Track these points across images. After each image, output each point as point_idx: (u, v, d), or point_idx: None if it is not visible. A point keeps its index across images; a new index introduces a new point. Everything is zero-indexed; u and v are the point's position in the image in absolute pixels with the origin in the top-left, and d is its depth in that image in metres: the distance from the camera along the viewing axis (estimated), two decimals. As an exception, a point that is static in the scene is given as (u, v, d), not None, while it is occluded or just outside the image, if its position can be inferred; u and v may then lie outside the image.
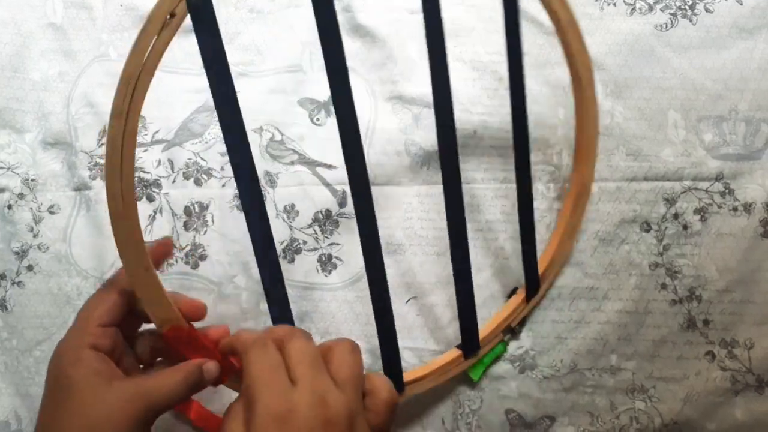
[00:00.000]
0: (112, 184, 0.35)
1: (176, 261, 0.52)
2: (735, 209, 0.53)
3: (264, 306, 0.52)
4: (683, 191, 0.54)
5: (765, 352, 0.53)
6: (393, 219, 0.53)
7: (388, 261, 0.53)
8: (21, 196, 0.52)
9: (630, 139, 0.54)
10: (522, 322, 0.52)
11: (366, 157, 0.52)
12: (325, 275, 0.53)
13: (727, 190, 0.54)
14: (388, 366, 0.46)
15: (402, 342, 0.53)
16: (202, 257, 0.53)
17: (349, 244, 0.53)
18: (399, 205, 0.53)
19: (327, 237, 0.53)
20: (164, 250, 0.44)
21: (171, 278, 0.52)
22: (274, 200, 0.53)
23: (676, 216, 0.54)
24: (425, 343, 0.53)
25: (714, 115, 0.54)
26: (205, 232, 0.53)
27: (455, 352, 0.50)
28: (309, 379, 0.33)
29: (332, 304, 0.53)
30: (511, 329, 0.52)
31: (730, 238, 0.53)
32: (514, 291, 0.53)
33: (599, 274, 0.53)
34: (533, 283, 0.51)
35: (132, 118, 0.35)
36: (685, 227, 0.54)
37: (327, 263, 0.53)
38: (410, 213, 0.53)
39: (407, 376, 0.48)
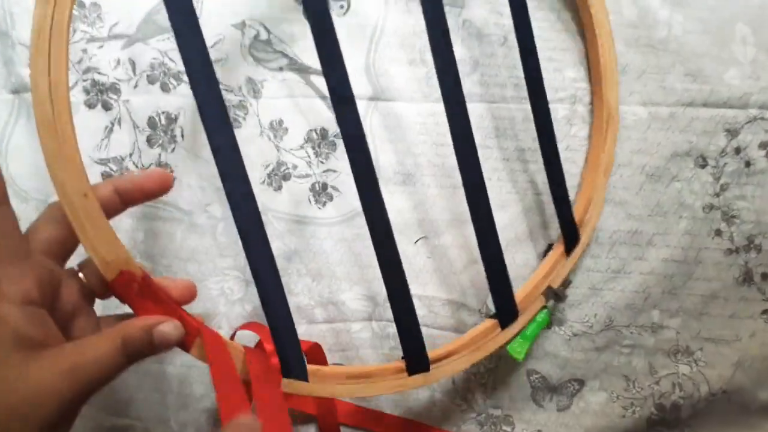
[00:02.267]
0: (38, 81, 0.28)
1: (138, 184, 0.43)
2: (807, 144, 0.45)
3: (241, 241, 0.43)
4: (748, 121, 0.45)
5: (831, 312, 0.45)
6: (402, 143, 0.44)
7: (395, 193, 0.45)
8: (-54, 97, 0.43)
9: (689, 57, 0.45)
10: (566, 283, 0.44)
11: (372, 65, 0.44)
12: (319, 207, 0.44)
13: (799, 122, 0.45)
14: (406, 338, 0.38)
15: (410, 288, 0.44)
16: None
17: (348, 171, 0.44)
18: (410, 125, 0.44)
19: (322, 162, 0.44)
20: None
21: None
22: (257, 114, 0.43)
23: (738, 150, 0.45)
24: (436, 290, 0.45)
25: (790, 32, 0.45)
26: (173, 149, 0.43)
27: (489, 322, 0.41)
28: None
29: (326, 242, 0.44)
30: (554, 292, 0.43)
31: (800, 178, 0.45)
32: (549, 247, 0.44)
33: (644, 215, 0.45)
34: (571, 232, 0.43)
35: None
36: (747, 164, 0.45)
37: (321, 193, 0.44)
38: (423, 136, 0.44)
39: (432, 355, 0.39)
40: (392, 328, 0.44)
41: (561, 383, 0.45)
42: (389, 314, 0.44)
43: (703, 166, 0.45)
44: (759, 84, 0.45)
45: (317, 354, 0.42)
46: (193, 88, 0.33)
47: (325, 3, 0.35)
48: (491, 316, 0.42)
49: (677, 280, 0.45)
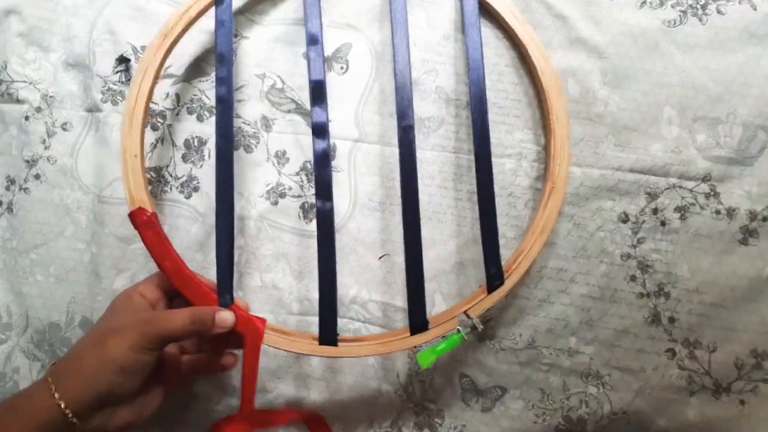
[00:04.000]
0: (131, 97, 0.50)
1: (171, 189, 0.56)
2: (717, 212, 0.53)
3: (240, 240, 0.55)
4: (667, 188, 0.54)
5: (727, 357, 0.53)
6: (378, 177, 0.55)
7: (369, 217, 0.55)
8: (38, 110, 0.57)
9: (621, 130, 0.54)
10: (484, 318, 0.51)
11: (360, 115, 0.55)
12: (306, 222, 0.55)
13: (712, 193, 0.53)
14: (323, 317, 0.50)
15: (369, 294, 0.55)
16: (196, 189, 0.56)
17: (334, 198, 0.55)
18: (385, 164, 0.55)
19: (312, 186, 0.55)
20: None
21: (164, 203, 0.56)
22: (267, 144, 0.55)
23: (655, 211, 0.54)
24: (391, 298, 0.55)
25: (711, 117, 0.54)
26: (201, 165, 0.56)
27: (403, 330, 0.51)
28: None
29: (309, 250, 0.55)
30: (470, 320, 0.49)
31: (707, 241, 0.53)
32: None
33: (570, 256, 0.54)
34: (496, 275, 0.50)
35: (160, 63, 0.50)
36: (663, 223, 0.54)
37: (309, 211, 0.55)
38: (395, 174, 0.55)
39: (344, 336, 0.51)
40: (353, 325, 0.55)
41: (487, 388, 0.54)
42: (352, 313, 0.55)
43: (624, 221, 0.54)
44: (680, 157, 0.54)
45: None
46: (217, 122, 0.50)
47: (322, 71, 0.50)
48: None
49: (594, 314, 0.54)
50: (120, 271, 0.55)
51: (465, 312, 0.50)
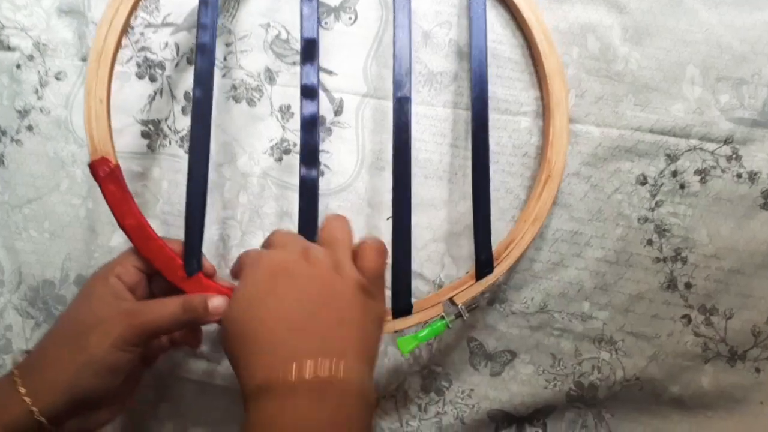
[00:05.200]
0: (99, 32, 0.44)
1: (170, 143, 0.53)
2: (739, 176, 0.51)
3: (243, 198, 0.53)
4: (688, 149, 0.52)
5: (743, 324, 0.51)
6: (386, 134, 0.53)
7: (375, 176, 0.53)
8: (30, 58, 0.54)
9: (641, 89, 0.52)
10: (471, 306, 0.47)
11: (369, 68, 0.53)
12: (312, 180, 0.53)
13: (734, 155, 0.52)
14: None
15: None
16: (195, 144, 0.53)
17: (338, 153, 0.53)
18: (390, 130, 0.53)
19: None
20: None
21: (162, 158, 0.53)
22: (270, 97, 0.53)
23: (675, 173, 0.52)
24: (399, 260, 0.53)
25: (735, 77, 0.52)
26: (201, 119, 0.53)
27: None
28: (295, 244, 0.42)
29: (314, 209, 0.53)
30: (456, 307, 0.47)
31: (727, 204, 0.51)
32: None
33: (585, 219, 0.52)
34: (485, 262, 0.48)
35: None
36: (682, 186, 0.52)
37: (315, 168, 0.53)
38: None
39: None
40: (359, 287, 0.53)
41: (496, 352, 0.52)
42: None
43: (642, 183, 0.52)
44: (702, 118, 0.52)
45: None
46: (196, 71, 0.46)
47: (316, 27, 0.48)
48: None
49: (609, 278, 0.52)
50: (117, 228, 0.53)
51: (450, 298, 0.48)
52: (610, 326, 0.52)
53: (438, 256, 0.52)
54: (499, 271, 0.48)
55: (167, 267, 0.44)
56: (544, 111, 0.51)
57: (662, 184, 0.52)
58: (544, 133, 0.51)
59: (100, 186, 0.43)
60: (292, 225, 0.53)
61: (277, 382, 0.34)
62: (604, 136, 0.52)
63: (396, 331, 0.47)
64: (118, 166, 0.44)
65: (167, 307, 0.41)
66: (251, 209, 0.53)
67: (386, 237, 0.53)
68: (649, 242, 0.52)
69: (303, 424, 0.33)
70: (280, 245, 0.41)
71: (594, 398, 0.52)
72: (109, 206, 0.44)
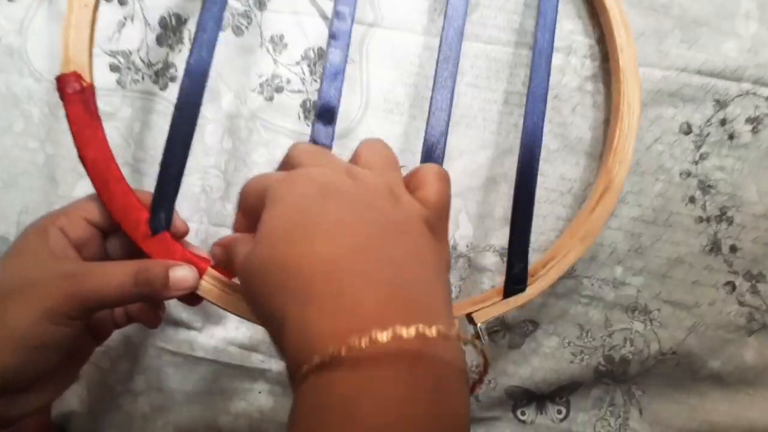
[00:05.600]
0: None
1: (142, 78, 0.46)
2: (796, 125, 0.45)
3: (228, 143, 0.46)
4: (739, 95, 0.45)
5: (794, 293, 0.46)
6: (395, 72, 0.46)
7: (381, 119, 0.46)
8: (-25, -27, 0.46)
9: (689, 24, 0.45)
10: (491, 327, 0.40)
11: (375, -8, 0.45)
12: (307, 124, 0.46)
13: (791, 102, 0.45)
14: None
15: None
16: (173, 79, 0.46)
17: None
18: (405, 56, 0.46)
19: (315, 81, 0.46)
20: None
21: (134, 95, 0.46)
22: (260, 25, 0.45)
23: (723, 122, 0.46)
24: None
25: (796, 12, 0.45)
26: (180, 50, 0.46)
27: None
28: (336, 163, 0.31)
29: (311, 157, 0.46)
30: (474, 327, 0.38)
31: (782, 157, 0.45)
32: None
33: (621, 173, 0.46)
34: (518, 277, 0.39)
35: None
36: (731, 137, 0.46)
37: (311, 111, 0.46)
38: (417, 68, 0.46)
39: None
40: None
41: (516, 322, 0.47)
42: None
43: (686, 133, 0.46)
44: (756, 59, 0.45)
45: None
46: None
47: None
48: None
49: (645, 240, 0.46)
50: (81, 176, 0.46)
51: (469, 315, 0.39)
52: (645, 294, 0.46)
53: (453, 214, 0.46)
54: (533, 291, 0.40)
55: (128, 218, 0.35)
56: (611, 108, 0.44)
57: (708, 134, 0.46)
58: (609, 133, 0.43)
59: (64, 106, 0.35)
60: (286, 175, 0.46)
61: (356, 350, 0.22)
62: (645, 77, 0.45)
63: None
64: (91, 88, 0.36)
65: (116, 275, 0.32)
66: (238, 157, 0.46)
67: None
68: (692, 199, 0.46)
69: (397, 408, 0.22)
70: (309, 163, 0.30)
71: (624, 374, 0.46)
72: (71, 131, 0.35)
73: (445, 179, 0.30)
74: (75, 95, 0.35)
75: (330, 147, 0.38)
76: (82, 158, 0.36)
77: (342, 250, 0.25)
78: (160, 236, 0.36)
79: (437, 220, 0.29)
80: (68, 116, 0.35)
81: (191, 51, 0.38)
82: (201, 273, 0.35)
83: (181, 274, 0.33)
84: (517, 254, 0.39)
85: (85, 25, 0.36)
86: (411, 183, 0.30)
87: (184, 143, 0.37)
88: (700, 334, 0.46)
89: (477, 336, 0.38)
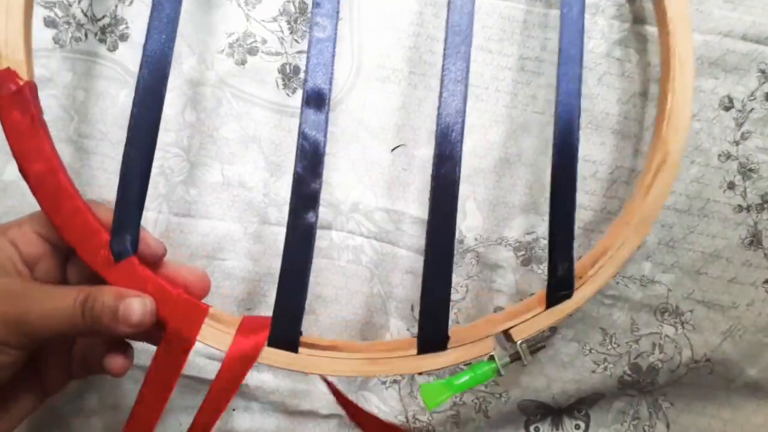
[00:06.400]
0: None
1: (86, 36, 0.38)
2: None
3: (191, 115, 0.38)
4: (788, 64, 0.40)
5: (842, 291, 0.41)
6: (392, 32, 0.39)
7: (375, 90, 0.39)
8: None
9: (734, -20, 0.39)
10: (535, 345, 0.33)
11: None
12: (288, 94, 0.39)
13: None
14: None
15: (376, 199, 0.40)
16: (123, 37, 0.38)
17: (323, 56, 0.38)
18: (403, 13, 0.38)
19: (297, 41, 0.38)
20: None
21: (75, 57, 0.38)
22: (230, -28, 0.37)
23: (769, 96, 0.40)
24: (406, 206, 0.40)
25: None
26: (131, 2, 0.38)
27: (406, 341, 0.33)
28: None
29: (291, 134, 0.39)
30: (512, 343, 0.33)
31: (834, 137, 0.40)
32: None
33: (653, 154, 0.40)
34: (563, 281, 0.33)
35: None
36: (778, 113, 0.40)
37: (292, 78, 0.39)
38: (418, 27, 0.39)
39: (313, 340, 0.32)
40: (352, 241, 0.40)
41: (530, 327, 0.40)
42: (351, 225, 0.40)
43: (727, 108, 0.40)
44: (808, 23, 0.39)
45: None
46: None
47: None
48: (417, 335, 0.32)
49: (677, 232, 0.40)
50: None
51: (506, 331, 0.33)
52: (677, 293, 0.40)
53: (459, 202, 0.39)
54: (582, 296, 0.33)
55: (85, 242, 0.29)
56: (661, 68, 0.37)
57: (752, 110, 0.40)
58: (660, 95, 0.37)
59: None
60: (261, 155, 0.39)
61: None
62: (683, 43, 0.39)
63: (420, 373, 0.34)
64: (31, 85, 0.29)
65: (63, 301, 0.27)
66: (203, 132, 0.38)
67: (390, 173, 0.39)
68: (730, 185, 0.40)
69: None
70: None
71: (652, 384, 0.41)
72: (9, 143, 0.29)
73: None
74: (10, 98, 0.28)
75: (324, 139, 0.31)
76: (24, 173, 0.29)
77: None
78: (125, 262, 0.29)
79: None
80: (3, 125, 0.28)
81: (147, 34, 0.31)
82: (200, 318, 0.29)
83: (134, 306, 0.27)
84: (560, 251, 0.33)
85: (17, 10, 0.30)
86: None
87: (147, 146, 0.31)
88: (737, 339, 0.40)
89: (518, 356, 0.32)
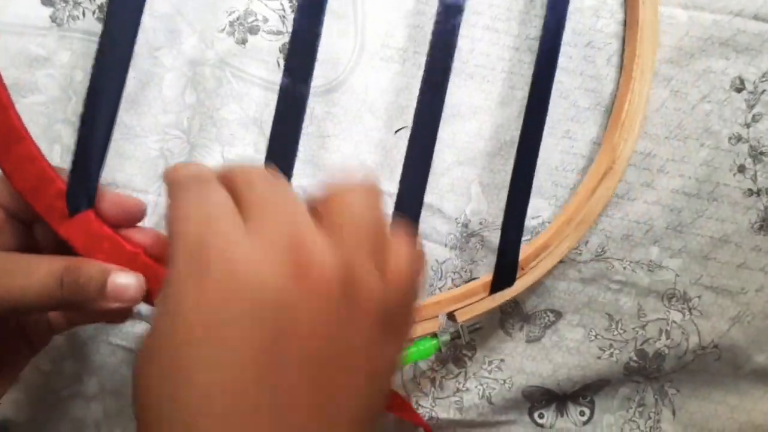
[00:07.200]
0: None
1: (83, 14, 0.37)
2: None
3: (191, 96, 0.37)
4: (801, 45, 0.39)
5: None
6: (398, 10, 0.38)
7: (380, 69, 0.38)
8: None
9: (746, -43, 0.38)
10: (474, 327, 0.35)
11: None
12: (289, 74, 0.38)
13: None
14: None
15: (380, 184, 0.39)
16: (120, 17, 0.37)
17: (329, 37, 0.38)
18: (403, 5, 0.38)
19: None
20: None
21: (74, 36, 0.37)
22: (230, -52, 0.37)
23: (782, 77, 0.39)
24: (410, 189, 0.39)
25: None
26: (128, -20, 0.37)
27: None
28: (278, 222, 0.21)
29: (293, 116, 0.38)
30: (455, 321, 0.35)
31: None
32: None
33: (660, 136, 0.39)
34: (507, 267, 0.35)
35: None
36: (790, 95, 0.39)
37: (294, 58, 0.38)
38: (425, 5, 0.38)
39: None
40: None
41: (535, 312, 0.40)
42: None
43: (738, 90, 0.39)
44: (822, 3, 0.38)
45: None
46: None
47: None
48: None
49: (686, 216, 0.39)
50: None
51: (450, 313, 0.35)
52: (684, 278, 0.40)
53: (463, 185, 0.38)
54: (521, 286, 0.36)
55: (39, 192, 0.26)
56: (623, 73, 0.37)
57: (764, 91, 0.39)
58: (617, 103, 0.37)
59: None
60: (263, 137, 0.38)
61: None
62: (693, 22, 0.38)
63: None
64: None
65: (39, 272, 0.25)
66: (203, 113, 0.38)
67: (393, 156, 0.39)
68: (741, 169, 0.39)
69: None
70: (256, 207, 0.22)
71: (658, 370, 0.40)
72: None
73: (416, 255, 0.24)
74: None
75: (301, 117, 0.30)
76: None
77: (244, 407, 0.19)
78: (81, 216, 0.27)
79: (398, 306, 0.22)
80: None
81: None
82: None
83: (124, 282, 0.25)
84: (509, 239, 0.34)
85: None
86: (379, 253, 0.22)
87: (114, 86, 0.29)
88: (746, 325, 0.40)
89: (458, 336, 0.35)
